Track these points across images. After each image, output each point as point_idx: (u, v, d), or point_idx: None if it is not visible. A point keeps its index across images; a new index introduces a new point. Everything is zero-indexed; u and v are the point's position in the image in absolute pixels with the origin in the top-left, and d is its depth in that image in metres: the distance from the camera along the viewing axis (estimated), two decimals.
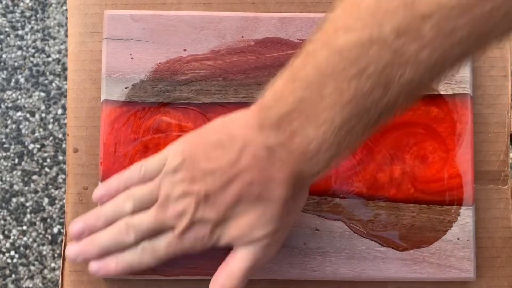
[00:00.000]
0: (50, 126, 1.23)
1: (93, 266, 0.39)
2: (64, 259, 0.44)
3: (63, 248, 0.44)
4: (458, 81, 0.43)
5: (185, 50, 0.44)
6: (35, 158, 1.22)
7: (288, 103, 0.33)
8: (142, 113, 0.43)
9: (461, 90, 0.43)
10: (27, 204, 1.21)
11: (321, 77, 0.32)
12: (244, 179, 0.35)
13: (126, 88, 0.43)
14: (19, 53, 1.25)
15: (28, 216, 1.20)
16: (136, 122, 0.43)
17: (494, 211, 0.44)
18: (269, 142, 0.34)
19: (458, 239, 0.43)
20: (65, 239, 0.44)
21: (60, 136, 1.22)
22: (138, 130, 0.43)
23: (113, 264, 0.38)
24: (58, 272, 1.24)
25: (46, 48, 1.25)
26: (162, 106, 0.43)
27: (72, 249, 0.39)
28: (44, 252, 1.19)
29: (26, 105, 1.23)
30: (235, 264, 0.37)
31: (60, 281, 0.44)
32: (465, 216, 0.43)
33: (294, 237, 0.42)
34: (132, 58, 0.43)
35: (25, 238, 1.20)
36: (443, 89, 0.43)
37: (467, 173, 0.43)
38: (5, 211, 1.21)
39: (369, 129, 0.33)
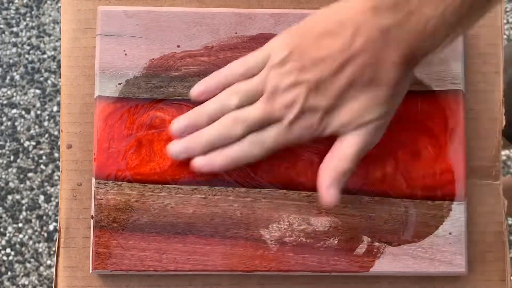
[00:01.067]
0: (45, 123, 1.23)
1: (198, 161, 0.39)
2: (58, 255, 0.44)
3: (57, 244, 0.44)
4: (451, 77, 0.44)
5: (178, 46, 0.44)
6: (31, 155, 1.22)
7: None
8: (136, 109, 0.43)
9: (453, 86, 0.44)
10: (23, 202, 1.21)
11: None
12: (357, 62, 0.35)
13: (119, 84, 0.43)
14: (14, 50, 1.25)
15: (24, 213, 1.20)
16: (129, 118, 0.43)
17: (485, 206, 0.45)
18: (384, 23, 0.34)
19: (450, 233, 0.43)
20: (59, 236, 0.44)
21: (56, 133, 1.22)
22: (131, 126, 0.43)
23: (218, 158, 0.39)
24: (54, 269, 1.24)
25: (41, 45, 1.25)
26: (156, 102, 0.43)
27: (176, 146, 0.40)
28: (40, 250, 1.19)
29: (21, 102, 1.23)
30: (346, 149, 0.37)
31: (54, 276, 0.44)
32: (457, 211, 0.43)
33: (286, 232, 0.42)
34: (125, 54, 0.43)
35: (21, 236, 1.20)
36: (435, 85, 0.44)
37: (459, 168, 0.43)
38: (0, 208, 1.20)
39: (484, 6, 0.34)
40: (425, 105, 0.44)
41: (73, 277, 0.44)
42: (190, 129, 0.40)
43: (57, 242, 0.44)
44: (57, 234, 0.44)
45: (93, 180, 0.42)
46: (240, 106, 0.38)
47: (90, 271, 0.42)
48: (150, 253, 0.42)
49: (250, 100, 0.38)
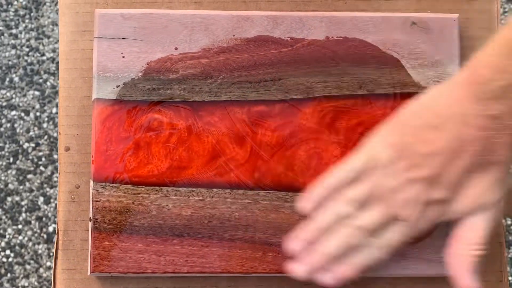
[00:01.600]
0: (45, 125, 1.23)
1: (327, 279, 0.39)
2: (56, 258, 0.44)
3: (55, 247, 0.44)
4: (447, 79, 0.44)
5: (176, 48, 0.44)
6: (30, 157, 1.22)
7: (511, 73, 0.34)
8: (134, 111, 0.43)
9: None
10: (22, 203, 1.21)
11: None
12: (470, 152, 0.36)
13: (117, 86, 0.43)
14: (13, 52, 1.25)
15: (24, 215, 1.20)
16: (127, 120, 0.43)
17: None
18: (492, 111, 0.35)
19: (448, 235, 0.43)
20: (58, 238, 0.44)
21: (55, 135, 1.22)
22: (129, 129, 0.43)
23: (347, 270, 0.39)
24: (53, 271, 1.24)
25: (41, 47, 1.25)
26: (154, 104, 0.43)
27: (301, 268, 0.40)
28: (40, 251, 1.19)
29: (20, 104, 1.23)
30: (476, 233, 0.38)
31: (52, 279, 0.44)
32: None
33: (283, 234, 0.42)
34: (123, 57, 0.43)
35: (20, 237, 1.20)
36: (432, 87, 0.44)
37: None
38: (0, 210, 1.21)
39: None
40: None
41: (72, 280, 0.44)
42: (310, 246, 0.40)
43: (55, 245, 0.44)
44: (56, 236, 0.44)
45: (91, 182, 0.43)
46: (355, 213, 0.38)
47: (89, 273, 0.42)
48: (148, 255, 0.42)
49: (364, 205, 0.38)
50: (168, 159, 0.43)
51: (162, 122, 0.43)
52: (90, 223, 0.42)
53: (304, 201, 0.41)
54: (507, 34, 0.35)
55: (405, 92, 0.44)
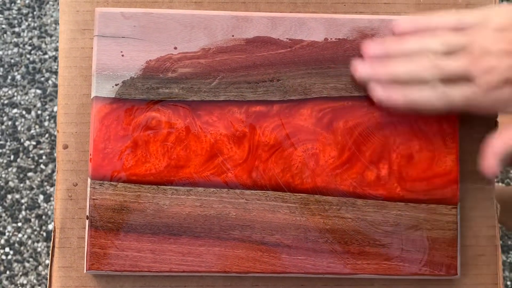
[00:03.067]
0: (46, 123, 1.23)
1: (378, 92, 0.39)
2: (53, 255, 0.44)
3: (52, 244, 0.44)
4: None
5: (175, 48, 0.44)
6: (31, 155, 1.23)
7: None
8: (132, 110, 0.43)
9: None
10: (22, 201, 1.21)
11: None
12: None
13: (116, 85, 0.43)
14: (15, 50, 1.25)
15: (23, 212, 1.20)
16: (126, 119, 0.43)
17: (479, 210, 0.45)
18: None
19: (443, 237, 0.43)
20: (54, 235, 0.44)
21: (56, 133, 1.23)
22: (128, 127, 0.43)
23: (401, 96, 0.39)
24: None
25: (43, 45, 1.25)
26: (152, 103, 0.43)
27: (364, 68, 0.40)
28: (39, 249, 1.19)
29: (22, 102, 1.23)
30: None
31: (48, 276, 0.44)
32: (450, 215, 0.43)
33: (280, 234, 0.43)
34: (122, 55, 0.44)
35: (20, 235, 1.20)
36: None
37: (452, 172, 0.43)
38: (0, 207, 1.21)
39: None
40: None
41: (68, 277, 0.44)
42: (385, 57, 0.39)
43: (52, 242, 0.44)
44: (52, 234, 0.44)
45: (89, 180, 0.43)
46: (441, 54, 0.38)
47: (85, 271, 0.42)
48: (145, 254, 0.42)
49: (453, 53, 0.38)
50: (166, 158, 0.43)
51: (161, 121, 0.43)
52: (87, 221, 0.42)
53: (403, 21, 0.40)
54: None
55: None
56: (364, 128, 0.43)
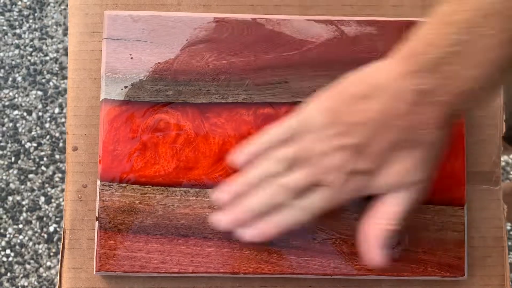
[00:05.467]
0: (47, 125, 1.23)
1: (250, 233, 0.39)
2: (62, 257, 0.44)
3: (62, 245, 0.44)
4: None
5: (183, 50, 0.44)
6: (32, 157, 1.23)
7: (443, 46, 0.34)
8: (141, 112, 0.44)
9: None
10: (23, 203, 1.21)
11: (483, 19, 0.33)
12: (397, 126, 0.36)
13: (125, 87, 0.44)
14: (16, 51, 1.25)
15: (24, 214, 1.20)
16: (135, 121, 0.43)
17: (485, 211, 0.45)
18: (422, 86, 0.35)
19: (451, 238, 0.43)
20: (64, 237, 0.44)
21: (57, 135, 1.23)
22: (137, 129, 0.43)
23: (270, 228, 0.39)
24: (53, 271, 1.24)
25: (44, 47, 1.25)
26: (161, 105, 0.44)
27: (224, 218, 0.40)
28: (40, 251, 1.19)
29: (23, 104, 1.23)
30: (392, 208, 0.37)
31: (58, 277, 0.44)
32: (458, 216, 0.43)
33: (289, 235, 0.43)
34: (131, 58, 0.44)
35: (21, 237, 1.20)
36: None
37: (459, 174, 0.44)
38: (1, 209, 1.21)
39: None
40: None
41: (77, 278, 0.44)
42: (235, 200, 0.40)
43: (61, 243, 0.44)
44: (62, 235, 0.44)
45: (98, 182, 0.43)
46: (284, 172, 0.38)
47: (94, 272, 0.43)
48: (154, 255, 0.43)
49: (293, 166, 0.38)
50: (175, 159, 0.43)
51: (169, 123, 0.44)
52: (96, 222, 0.43)
53: (237, 155, 0.41)
54: (444, 9, 0.35)
55: None
56: None
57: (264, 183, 0.39)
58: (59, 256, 0.45)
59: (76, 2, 0.46)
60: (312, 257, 0.43)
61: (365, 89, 0.36)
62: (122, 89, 0.44)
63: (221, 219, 0.40)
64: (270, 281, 0.44)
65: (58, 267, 1.27)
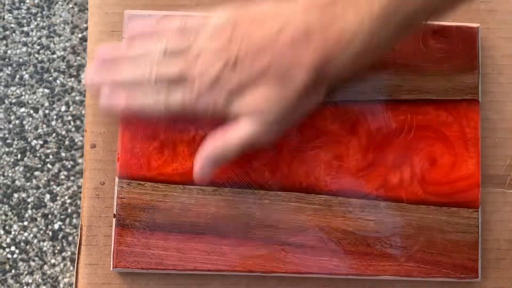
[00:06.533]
0: (53, 123, 1.23)
1: (104, 98, 0.40)
2: (79, 253, 0.45)
3: (78, 242, 0.44)
4: (468, 88, 0.45)
5: None
6: (38, 154, 1.23)
7: None
8: None
9: (470, 96, 0.45)
10: (29, 200, 1.21)
11: None
12: (276, 55, 0.36)
13: None
14: (24, 49, 1.25)
15: (29, 212, 1.20)
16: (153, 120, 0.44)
17: (499, 214, 0.46)
18: (310, 23, 0.36)
19: (465, 240, 0.44)
20: (81, 233, 0.45)
21: (63, 133, 1.23)
22: (155, 127, 0.44)
23: (123, 99, 0.39)
24: (57, 268, 1.24)
25: (51, 45, 1.26)
26: None
27: (90, 72, 0.41)
28: (45, 248, 1.19)
29: (30, 101, 1.24)
30: (235, 133, 0.38)
31: (75, 274, 0.45)
32: (472, 218, 0.44)
33: (304, 235, 0.43)
34: None
35: (25, 234, 1.20)
36: (453, 95, 0.45)
37: (474, 176, 0.44)
38: (6, 206, 1.21)
39: (401, 29, 0.36)
40: (443, 114, 0.45)
41: (94, 274, 0.44)
42: (109, 63, 0.40)
43: (78, 240, 0.44)
44: (79, 231, 0.45)
45: (116, 179, 0.43)
46: (164, 55, 0.39)
47: (111, 268, 0.43)
48: (171, 252, 0.43)
49: (175, 54, 0.38)
50: (193, 158, 0.44)
51: (188, 122, 0.44)
52: (114, 219, 0.43)
53: (135, 25, 0.42)
54: None
55: (424, 99, 0.45)
56: (388, 132, 0.44)
57: (140, 60, 0.39)
58: (76, 253, 0.45)
59: (96, 1, 0.46)
60: (327, 257, 0.43)
61: (268, 13, 0.37)
62: None
63: (89, 72, 0.41)
64: (285, 280, 0.45)
65: (62, 264, 1.27)
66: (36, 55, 1.36)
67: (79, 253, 0.44)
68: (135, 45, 0.40)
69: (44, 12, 1.37)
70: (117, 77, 0.39)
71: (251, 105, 0.37)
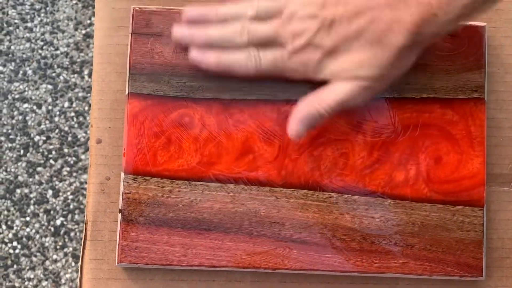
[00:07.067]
0: (56, 119, 1.23)
1: (193, 53, 0.41)
2: (84, 248, 0.45)
3: (83, 237, 0.45)
4: (474, 86, 0.45)
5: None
6: (41, 150, 1.23)
7: None
8: (166, 106, 0.44)
9: (476, 95, 0.45)
10: (31, 196, 1.21)
11: None
12: (374, 15, 0.37)
13: (150, 81, 0.44)
14: (27, 45, 1.26)
15: (32, 207, 1.21)
16: (159, 115, 0.44)
17: (504, 213, 0.46)
18: None
19: (469, 239, 0.44)
20: (86, 228, 0.45)
21: (66, 129, 1.23)
22: (161, 123, 0.44)
23: (213, 58, 0.41)
24: (59, 264, 1.24)
25: (55, 41, 1.26)
26: (186, 100, 0.44)
27: (181, 30, 0.42)
28: (46, 244, 1.19)
29: (33, 97, 1.24)
30: (330, 94, 0.39)
31: (80, 268, 0.45)
32: (477, 217, 0.44)
33: (309, 232, 0.43)
34: (157, 53, 0.44)
35: (28, 229, 1.20)
36: (459, 93, 0.45)
37: (479, 175, 0.44)
38: (9, 201, 1.21)
39: (466, 11, 0.36)
40: (449, 112, 0.45)
41: (99, 269, 0.45)
42: (200, 22, 0.41)
43: (83, 235, 0.45)
44: (84, 227, 0.45)
45: (122, 174, 0.43)
46: (255, 18, 0.40)
47: (116, 263, 0.43)
48: (176, 248, 0.43)
49: (266, 17, 0.40)
50: (198, 154, 0.44)
51: (193, 118, 0.44)
52: (119, 215, 0.43)
53: None
54: None
55: (430, 97, 0.45)
56: (393, 129, 0.44)
57: (233, 21, 0.40)
58: (79, 248, 0.45)
59: None
60: (332, 254, 0.43)
61: None
62: (147, 83, 0.44)
63: (179, 29, 0.42)
64: (290, 277, 0.45)
65: (64, 260, 1.27)
66: (40, 51, 1.36)
67: (84, 248, 0.45)
68: (224, 7, 0.41)
69: (47, 8, 1.37)
70: (207, 36, 0.41)
71: (347, 66, 0.38)
